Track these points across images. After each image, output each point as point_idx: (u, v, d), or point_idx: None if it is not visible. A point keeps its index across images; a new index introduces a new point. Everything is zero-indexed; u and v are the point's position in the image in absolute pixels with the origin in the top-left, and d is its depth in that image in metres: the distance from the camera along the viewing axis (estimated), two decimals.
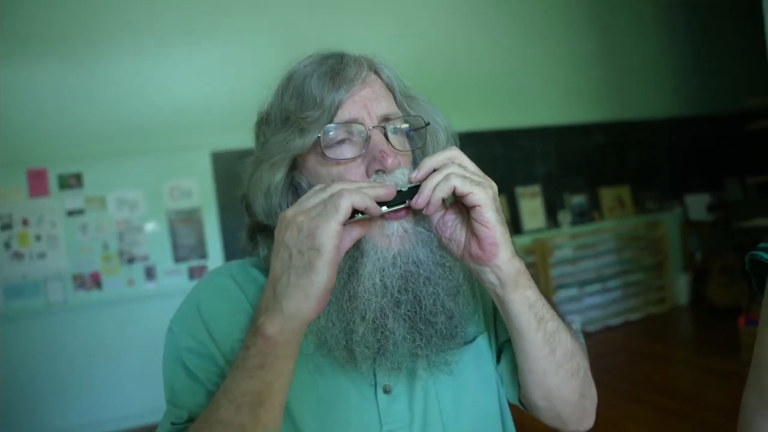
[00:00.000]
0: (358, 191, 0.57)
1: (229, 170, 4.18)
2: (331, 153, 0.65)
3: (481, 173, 0.64)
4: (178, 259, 4.13)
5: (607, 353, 4.60)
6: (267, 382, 0.56)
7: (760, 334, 0.79)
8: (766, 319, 0.78)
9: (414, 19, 4.96)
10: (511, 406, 0.82)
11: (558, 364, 0.70)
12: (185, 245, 4.15)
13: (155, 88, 4.12)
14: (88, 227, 3.97)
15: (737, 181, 5.85)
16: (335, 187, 0.58)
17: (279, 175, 0.68)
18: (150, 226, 4.09)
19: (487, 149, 5.03)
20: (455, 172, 0.61)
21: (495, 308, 0.79)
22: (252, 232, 0.75)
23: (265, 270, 0.70)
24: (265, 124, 0.72)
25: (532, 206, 5.33)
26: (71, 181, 3.92)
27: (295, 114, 0.66)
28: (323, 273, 0.54)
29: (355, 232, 0.60)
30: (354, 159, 0.66)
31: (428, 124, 0.71)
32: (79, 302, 3.94)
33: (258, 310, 0.58)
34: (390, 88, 0.72)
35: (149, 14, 4.09)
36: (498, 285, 0.65)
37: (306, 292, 0.54)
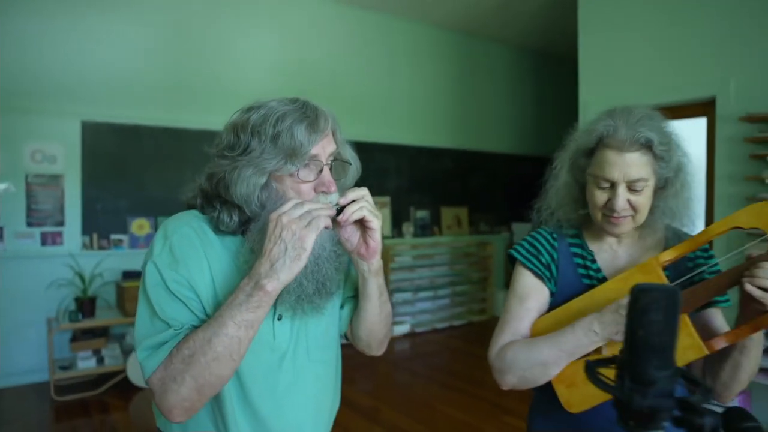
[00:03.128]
0: (324, 215, 0.93)
1: (100, 141, 4.17)
2: (300, 174, 0.99)
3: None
4: (31, 223, 4.01)
5: (433, 352, 5.25)
6: (258, 315, 0.93)
7: (507, 295, 1.33)
8: (511, 289, 1.34)
9: (295, 26, 5.30)
10: None
11: (381, 318, 1.17)
12: (42, 210, 4.04)
13: (26, 49, 3.98)
14: None
15: None
16: (312, 206, 0.94)
17: (264, 179, 0.99)
18: (3, 186, 3.92)
19: None
20: (366, 206, 1.00)
21: (345, 279, 1.22)
22: (210, 197, 1.04)
23: (217, 230, 1.03)
24: (250, 133, 0.99)
25: (380, 215, 5.86)
26: None
27: (290, 146, 0.97)
28: (304, 261, 0.92)
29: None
30: (310, 181, 1.00)
31: (350, 164, 1.11)
32: None
33: (256, 273, 0.92)
34: (333, 133, 1.06)
35: None
36: (367, 271, 1.08)
37: (293, 271, 0.92)
